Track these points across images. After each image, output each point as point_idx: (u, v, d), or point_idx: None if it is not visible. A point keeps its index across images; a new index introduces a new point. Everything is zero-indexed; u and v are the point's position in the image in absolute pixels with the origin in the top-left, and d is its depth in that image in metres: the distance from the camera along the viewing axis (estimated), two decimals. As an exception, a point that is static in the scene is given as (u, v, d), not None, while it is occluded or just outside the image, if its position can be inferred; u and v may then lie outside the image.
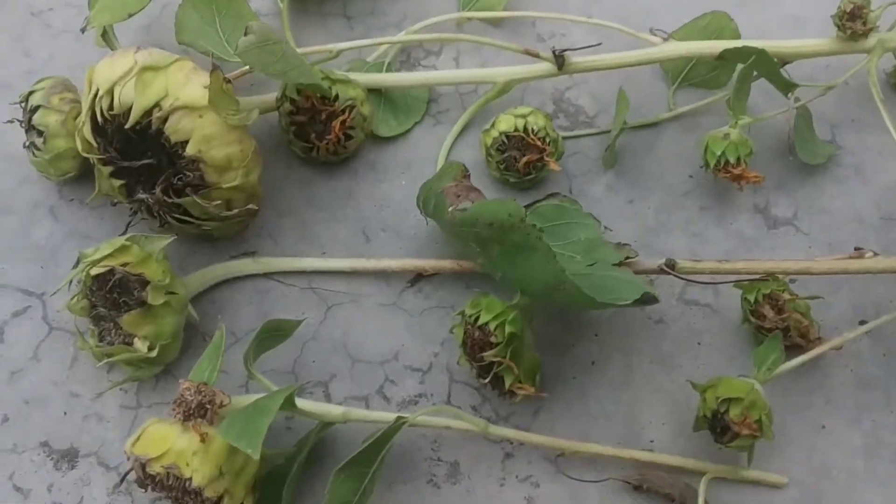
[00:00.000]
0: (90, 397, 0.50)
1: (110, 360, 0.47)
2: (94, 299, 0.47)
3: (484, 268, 0.51)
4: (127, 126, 0.46)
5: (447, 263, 0.54)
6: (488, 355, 0.46)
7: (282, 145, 0.58)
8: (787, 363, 0.48)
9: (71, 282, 0.48)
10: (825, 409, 0.51)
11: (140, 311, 0.46)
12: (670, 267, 0.50)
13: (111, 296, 0.47)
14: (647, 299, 0.44)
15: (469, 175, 0.51)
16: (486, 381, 0.47)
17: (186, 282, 0.50)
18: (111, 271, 0.46)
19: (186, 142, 0.46)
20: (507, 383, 0.47)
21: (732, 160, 0.55)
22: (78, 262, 0.47)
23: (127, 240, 0.47)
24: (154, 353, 0.47)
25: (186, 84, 0.46)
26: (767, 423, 0.46)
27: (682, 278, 0.50)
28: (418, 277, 0.54)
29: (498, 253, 0.47)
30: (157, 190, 0.48)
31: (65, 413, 0.49)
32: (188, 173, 0.47)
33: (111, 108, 0.46)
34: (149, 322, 0.46)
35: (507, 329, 0.46)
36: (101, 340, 0.48)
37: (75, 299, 0.48)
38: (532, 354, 0.48)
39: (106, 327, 0.48)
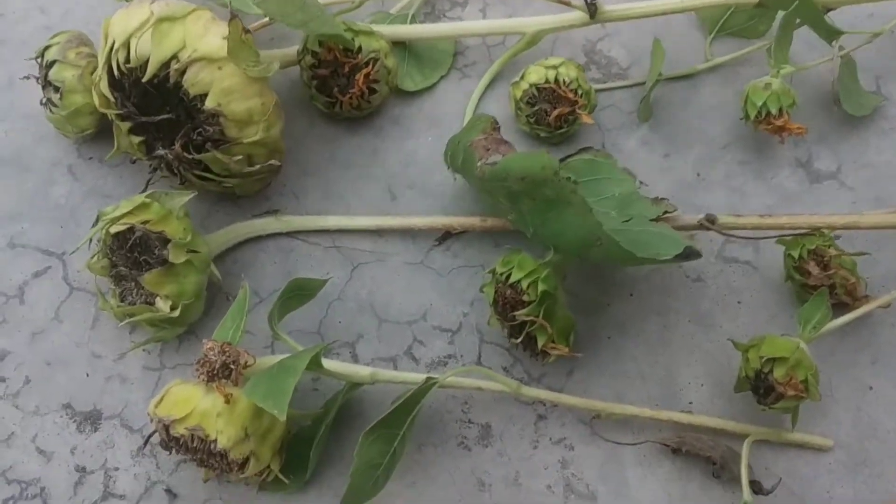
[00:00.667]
0: (112, 358, 0.49)
1: (132, 319, 0.46)
2: (114, 258, 0.46)
3: (514, 224, 0.49)
4: (144, 79, 0.44)
5: (475, 221, 0.52)
6: (520, 314, 0.44)
7: (303, 101, 0.56)
8: (833, 321, 0.45)
9: (91, 240, 0.46)
10: (872, 369, 0.49)
11: (161, 269, 0.45)
12: (710, 222, 0.48)
13: (132, 254, 0.45)
14: (689, 254, 0.42)
15: (499, 128, 0.49)
16: (518, 341, 0.46)
17: (208, 240, 0.48)
18: (131, 229, 0.45)
19: (205, 95, 0.45)
20: (540, 343, 0.45)
21: (774, 111, 0.52)
22: (97, 221, 0.46)
23: (147, 197, 0.46)
24: (176, 313, 0.45)
25: (205, 35, 0.45)
26: (814, 384, 0.44)
27: (723, 233, 0.48)
28: (446, 235, 0.53)
29: (529, 208, 0.45)
30: (177, 145, 0.46)
31: (87, 374, 0.48)
32: (208, 128, 0.46)
33: (127, 60, 0.45)
34: (171, 281, 0.45)
35: (540, 287, 0.44)
36: (122, 300, 0.47)
37: (95, 258, 0.46)
38: (565, 313, 0.46)
39: (127, 287, 0.47)
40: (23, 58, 0.56)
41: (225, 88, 0.45)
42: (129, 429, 0.47)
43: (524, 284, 0.44)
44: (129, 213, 0.45)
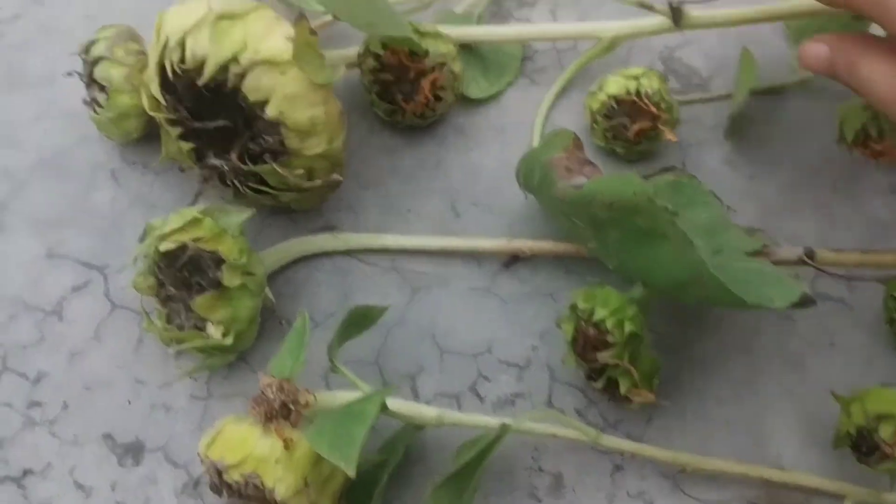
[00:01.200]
0: (157, 385, 0.45)
1: (181, 347, 0.42)
2: (162, 277, 0.43)
3: (594, 254, 0.45)
4: (200, 82, 0.41)
5: (547, 245, 0.48)
6: (604, 357, 0.40)
7: (362, 106, 0.52)
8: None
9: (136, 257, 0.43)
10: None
11: (214, 293, 0.41)
12: (810, 257, 0.44)
13: (182, 274, 0.42)
14: (806, 302, 0.37)
15: (582, 146, 0.45)
16: (599, 384, 0.42)
17: (262, 259, 0.45)
18: (183, 247, 0.41)
19: (266, 102, 0.41)
20: (623, 388, 0.41)
21: (874, 134, 0.48)
22: (145, 235, 0.42)
23: (200, 212, 0.42)
24: (229, 340, 0.42)
25: (267, 35, 0.41)
26: None
27: (824, 271, 0.44)
28: (514, 259, 0.49)
29: (616, 238, 0.41)
30: (233, 156, 0.42)
31: (129, 402, 0.45)
32: (267, 138, 0.42)
33: (182, 61, 0.41)
34: (224, 305, 0.42)
35: (627, 328, 0.40)
36: (169, 322, 0.43)
37: (142, 276, 0.43)
38: (651, 356, 0.42)
39: (175, 308, 0.43)
40: (64, 50, 0.52)
41: (288, 95, 0.41)
42: (173, 464, 0.44)
43: (609, 324, 0.41)
44: (181, 228, 0.41)
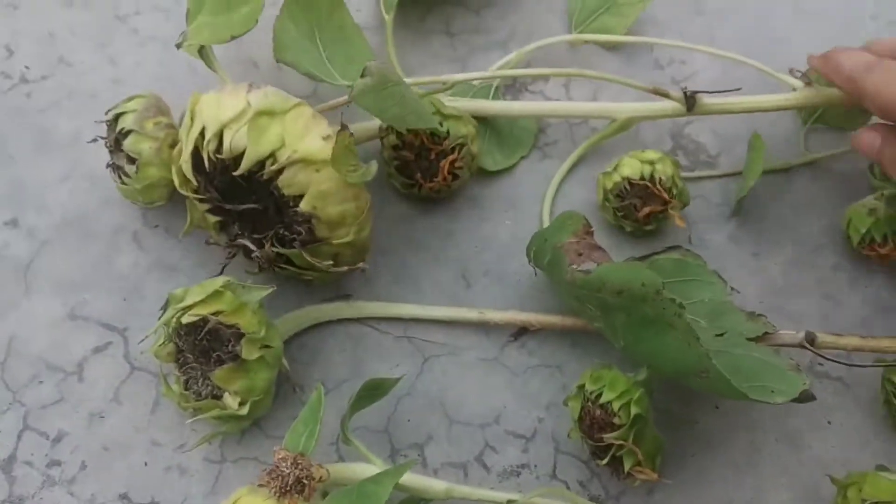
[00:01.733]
0: (172, 447, 0.47)
1: (198, 416, 0.44)
2: (182, 345, 0.44)
3: (602, 332, 0.46)
4: (236, 174, 0.42)
5: (556, 319, 0.50)
6: (610, 437, 0.42)
7: (378, 177, 0.53)
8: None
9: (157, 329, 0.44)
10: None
11: (233, 365, 0.42)
12: (810, 342, 0.45)
13: (201, 344, 0.43)
14: (805, 398, 0.39)
15: (592, 231, 0.46)
16: (604, 463, 0.43)
17: (277, 326, 0.46)
18: (203, 320, 0.42)
19: (301, 196, 0.42)
20: (627, 466, 0.43)
21: (879, 239, 0.50)
22: (167, 305, 0.44)
23: (221, 285, 0.43)
24: (245, 410, 0.43)
25: (305, 135, 0.42)
26: None
27: (825, 357, 0.45)
28: (522, 331, 0.50)
29: (623, 322, 0.43)
30: (267, 245, 0.44)
31: (146, 463, 0.46)
32: (299, 228, 0.43)
33: (219, 150, 0.42)
34: (241, 377, 0.43)
35: (633, 410, 0.42)
36: (186, 388, 0.44)
37: (161, 344, 0.44)
38: (654, 435, 0.43)
39: (193, 375, 0.44)
40: (90, 112, 0.54)
41: (322, 192, 0.42)
42: (187, 528, 0.45)
43: (615, 406, 0.42)
44: (202, 301, 0.43)
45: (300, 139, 0.42)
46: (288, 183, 0.42)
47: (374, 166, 0.43)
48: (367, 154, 0.54)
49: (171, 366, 0.45)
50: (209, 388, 0.44)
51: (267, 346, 0.43)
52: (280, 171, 0.42)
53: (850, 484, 0.43)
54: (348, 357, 0.49)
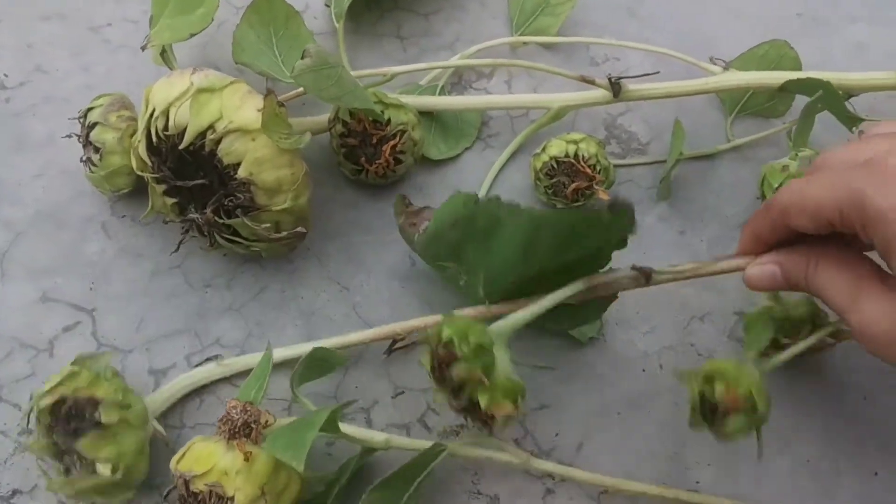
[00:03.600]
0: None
1: (80, 492, 0.44)
2: (54, 435, 0.44)
3: (469, 291, 0.48)
4: (181, 147, 0.46)
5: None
6: (457, 371, 0.40)
7: (331, 167, 0.58)
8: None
9: (28, 419, 0.46)
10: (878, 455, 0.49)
11: (95, 432, 0.43)
12: (646, 277, 0.46)
13: (68, 425, 0.44)
14: (616, 206, 0.39)
15: (409, 200, 0.51)
16: (461, 405, 0.41)
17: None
18: (61, 400, 0.44)
19: (238, 164, 0.47)
20: (483, 402, 0.40)
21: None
22: (31, 403, 0.45)
23: (72, 364, 0.45)
24: (118, 476, 0.44)
25: (240, 107, 0.47)
26: (761, 399, 0.41)
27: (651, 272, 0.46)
28: (393, 343, 0.51)
29: (473, 253, 0.45)
30: (208, 210, 0.48)
31: (110, 429, 0.50)
32: (239, 195, 0.47)
33: (166, 128, 0.47)
34: (108, 443, 0.43)
35: (472, 340, 0.40)
36: (67, 474, 0.45)
37: (36, 441, 0.45)
38: (510, 378, 0.41)
39: (70, 461, 0.45)
40: (64, 116, 0.58)
41: (257, 159, 0.47)
42: (148, 486, 0.47)
43: (456, 341, 0.40)
44: (59, 383, 0.44)
45: (236, 111, 0.46)
46: (226, 152, 0.46)
47: (306, 136, 0.48)
48: (318, 147, 0.58)
49: (49, 461, 0.45)
50: (85, 467, 0.44)
51: (127, 407, 0.45)
52: (219, 141, 0.46)
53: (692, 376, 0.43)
54: (300, 332, 0.53)
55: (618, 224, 0.40)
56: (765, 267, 0.44)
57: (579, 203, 0.55)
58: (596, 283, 0.44)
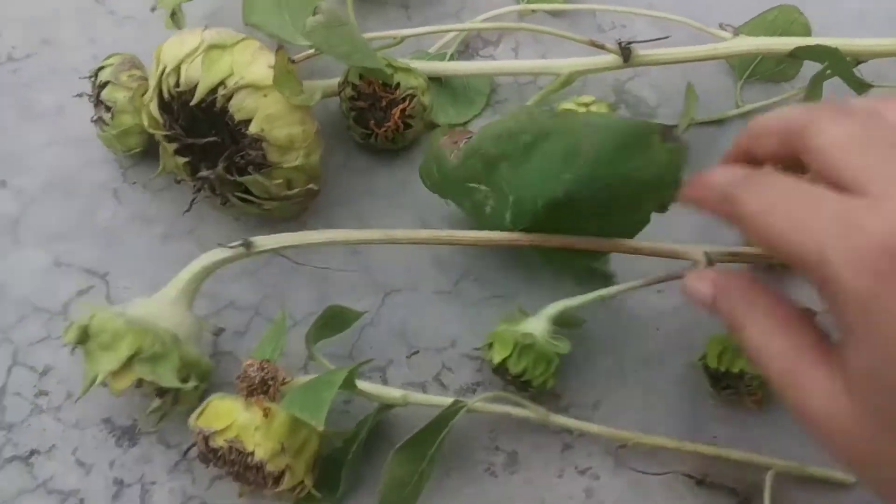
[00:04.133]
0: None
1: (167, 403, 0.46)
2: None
3: (493, 216, 0.48)
4: (192, 103, 0.46)
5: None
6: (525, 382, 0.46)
7: (340, 133, 0.58)
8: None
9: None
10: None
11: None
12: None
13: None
14: (666, 133, 0.40)
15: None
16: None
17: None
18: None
19: (250, 120, 0.47)
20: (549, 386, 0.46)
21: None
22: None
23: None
24: (192, 383, 0.45)
25: (252, 63, 0.47)
26: None
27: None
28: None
29: (507, 171, 0.45)
30: (220, 167, 0.48)
31: (125, 391, 0.49)
32: (250, 152, 0.47)
33: (177, 84, 0.47)
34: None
35: (520, 365, 0.45)
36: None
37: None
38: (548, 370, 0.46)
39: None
40: (72, 86, 0.58)
41: (269, 115, 0.47)
42: (165, 444, 0.48)
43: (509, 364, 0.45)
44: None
45: (247, 67, 0.46)
46: (238, 108, 0.46)
47: (318, 94, 0.48)
48: (327, 113, 0.58)
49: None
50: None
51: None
52: (230, 98, 0.46)
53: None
54: (313, 293, 0.53)
55: (669, 156, 0.39)
56: (700, 285, 0.38)
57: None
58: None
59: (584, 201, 0.43)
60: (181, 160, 0.49)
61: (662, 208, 0.44)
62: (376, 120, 0.55)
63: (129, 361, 0.42)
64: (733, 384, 0.48)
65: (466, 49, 0.63)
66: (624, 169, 0.41)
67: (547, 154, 0.42)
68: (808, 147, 0.32)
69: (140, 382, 0.43)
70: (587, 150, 0.41)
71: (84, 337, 0.43)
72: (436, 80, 0.59)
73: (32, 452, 0.48)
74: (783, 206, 0.31)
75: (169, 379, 0.43)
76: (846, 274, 0.28)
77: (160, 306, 0.45)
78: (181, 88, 0.47)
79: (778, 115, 0.35)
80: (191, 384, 0.44)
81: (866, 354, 0.29)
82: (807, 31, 0.60)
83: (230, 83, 0.46)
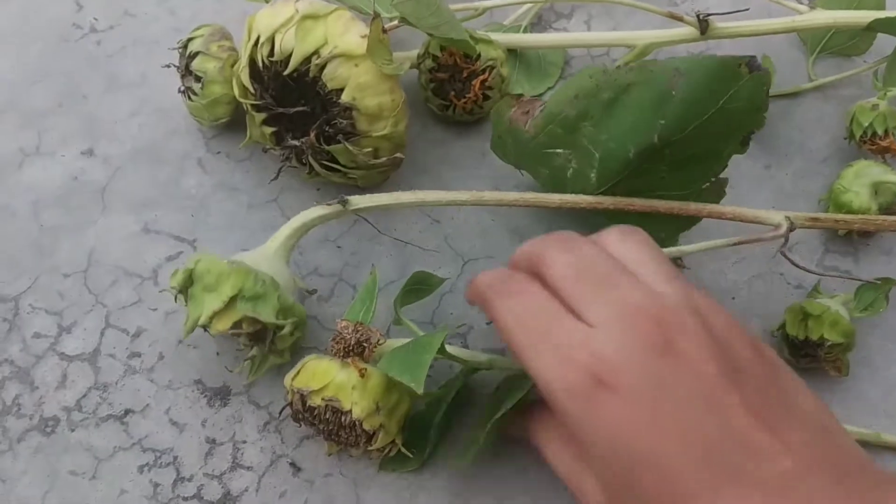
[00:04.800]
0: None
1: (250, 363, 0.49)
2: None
3: (575, 179, 0.48)
4: (286, 72, 0.47)
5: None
6: None
7: (417, 105, 0.58)
8: None
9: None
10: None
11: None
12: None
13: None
14: (753, 65, 0.42)
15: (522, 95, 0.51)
16: None
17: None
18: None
19: (342, 89, 0.48)
20: None
21: (880, 132, 0.54)
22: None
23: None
24: (289, 328, 0.46)
25: (345, 33, 0.47)
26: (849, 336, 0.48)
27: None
28: None
29: (590, 130, 0.45)
30: (311, 135, 0.49)
31: (217, 353, 0.51)
32: (341, 120, 0.48)
33: (271, 54, 0.48)
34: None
35: None
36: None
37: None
38: None
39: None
40: (154, 57, 0.60)
41: (360, 84, 0.48)
42: (256, 405, 0.50)
43: None
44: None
45: (340, 36, 0.47)
46: (330, 77, 0.47)
47: (406, 63, 0.49)
48: (407, 86, 0.58)
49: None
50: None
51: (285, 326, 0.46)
52: (323, 67, 0.47)
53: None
54: (394, 261, 0.54)
55: (755, 85, 0.42)
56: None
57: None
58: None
59: (676, 144, 0.44)
60: (268, 130, 0.51)
61: (745, 143, 0.45)
62: (455, 91, 0.55)
63: (231, 302, 0.44)
64: (812, 352, 0.48)
65: (539, 21, 0.64)
66: (716, 104, 0.43)
67: (633, 105, 0.43)
68: (543, 276, 0.39)
69: (239, 326, 0.44)
70: (680, 92, 0.42)
71: (189, 281, 0.45)
72: (511, 53, 0.60)
73: (127, 412, 0.49)
74: (525, 324, 0.38)
75: (269, 315, 0.44)
76: (562, 398, 0.35)
77: (260, 258, 0.46)
78: (275, 58, 0.48)
79: (522, 250, 0.41)
80: (288, 327, 0.46)
81: (589, 457, 0.37)
82: (881, 5, 0.60)
83: (324, 52, 0.47)
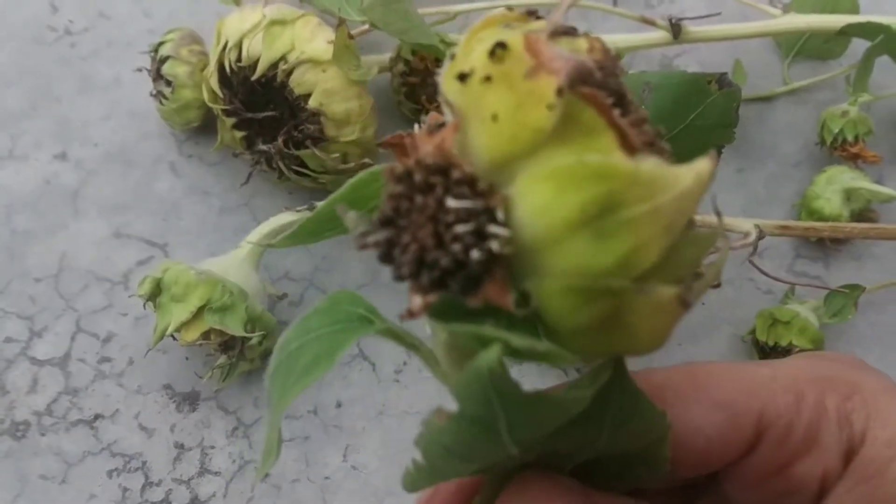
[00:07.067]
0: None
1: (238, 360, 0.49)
2: None
3: None
4: (253, 78, 0.48)
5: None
6: None
7: (389, 108, 0.58)
8: None
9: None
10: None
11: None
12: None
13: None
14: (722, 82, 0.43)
15: None
16: None
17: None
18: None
19: (309, 95, 0.48)
20: None
21: (850, 138, 0.54)
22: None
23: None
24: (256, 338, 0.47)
25: (312, 39, 0.48)
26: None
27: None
28: None
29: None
30: (279, 140, 0.49)
31: (186, 358, 0.51)
32: (309, 126, 0.49)
33: (239, 59, 0.48)
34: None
35: None
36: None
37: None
38: None
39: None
40: (128, 59, 0.59)
41: (327, 90, 0.48)
42: (224, 410, 0.50)
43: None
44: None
45: (308, 42, 0.47)
46: (298, 82, 0.47)
47: (374, 69, 0.49)
48: (377, 90, 0.59)
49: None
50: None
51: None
52: (290, 73, 0.47)
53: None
54: (365, 265, 0.54)
55: (725, 101, 0.42)
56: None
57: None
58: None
59: None
60: (239, 134, 0.51)
61: (727, 131, 0.45)
62: (427, 96, 0.55)
63: (199, 312, 0.44)
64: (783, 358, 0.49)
65: (514, 25, 0.63)
66: (685, 119, 0.43)
67: None
68: None
69: (208, 336, 0.45)
70: (649, 106, 0.42)
71: (157, 290, 0.45)
72: (484, 56, 0.60)
73: (97, 416, 0.50)
74: None
75: (237, 327, 0.44)
76: None
77: (229, 266, 0.47)
78: (243, 63, 0.48)
79: None
80: (256, 337, 0.46)
81: None
82: (855, 9, 0.60)
83: (291, 58, 0.47)
